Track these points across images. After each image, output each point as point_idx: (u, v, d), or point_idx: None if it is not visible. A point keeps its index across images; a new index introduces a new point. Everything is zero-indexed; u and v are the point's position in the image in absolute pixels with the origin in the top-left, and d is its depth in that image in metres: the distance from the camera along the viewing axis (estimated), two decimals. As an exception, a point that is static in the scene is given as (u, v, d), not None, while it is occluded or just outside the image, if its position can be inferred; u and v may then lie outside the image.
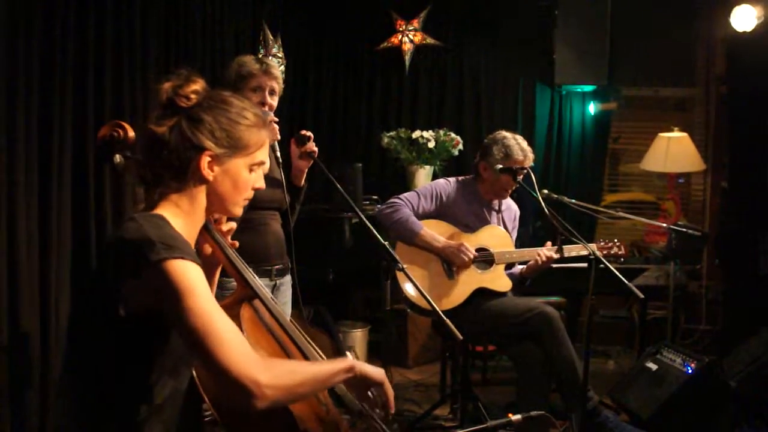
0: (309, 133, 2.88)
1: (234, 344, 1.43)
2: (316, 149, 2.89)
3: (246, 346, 1.45)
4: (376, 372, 1.70)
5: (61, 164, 3.11)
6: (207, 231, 1.72)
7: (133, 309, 1.46)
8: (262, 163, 1.69)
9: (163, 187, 1.59)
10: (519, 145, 3.57)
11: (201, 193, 1.62)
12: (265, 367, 1.44)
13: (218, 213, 1.69)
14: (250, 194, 1.70)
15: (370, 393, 1.73)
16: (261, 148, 1.67)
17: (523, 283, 3.69)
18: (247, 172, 1.66)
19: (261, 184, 1.71)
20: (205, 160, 1.58)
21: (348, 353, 2.80)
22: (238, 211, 1.70)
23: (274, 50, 5.10)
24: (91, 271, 3.12)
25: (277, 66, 2.98)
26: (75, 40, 3.19)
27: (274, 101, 2.91)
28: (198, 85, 1.61)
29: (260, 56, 2.95)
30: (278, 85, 2.92)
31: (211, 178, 1.60)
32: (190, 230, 1.62)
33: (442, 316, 2.44)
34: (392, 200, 3.61)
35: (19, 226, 2.90)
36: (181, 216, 1.59)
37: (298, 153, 2.90)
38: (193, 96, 1.59)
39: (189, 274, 1.44)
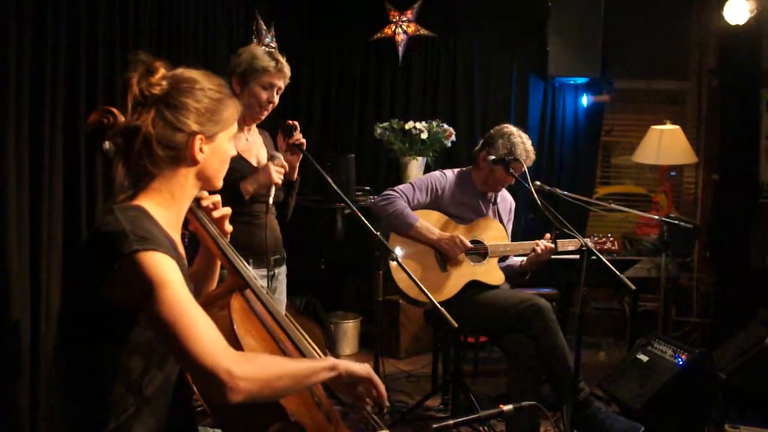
0: (295, 123, 2.85)
1: (206, 335, 1.41)
2: (303, 140, 2.86)
3: (219, 338, 1.43)
4: (362, 368, 1.67)
5: (52, 156, 3.08)
6: (198, 220, 1.72)
7: (114, 301, 1.46)
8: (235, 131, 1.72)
9: (147, 177, 1.59)
10: (524, 145, 3.56)
11: (190, 175, 1.63)
12: (239, 358, 1.43)
13: (204, 189, 1.70)
14: (228, 163, 1.73)
15: (359, 390, 1.71)
16: (236, 119, 1.70)
17: (523, 276, 3.71)
18: (228, 144, 1.69)
19: (234, 151, 1.74)
20: (197, 143, 1.59)
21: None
22: (221, 183, 1.72)
23: (267, 40, 5.08)
24: (74, 264, 3.10)
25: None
26: (67, 30, 3.16)
27: (277, 99, 2.90)
28: (164, 69, 1.60)
29: (272, 50, 2.91)
30: (285, 84, 2.91)
31: (202, 159, 1.61)
32: (173, 217, 1.62)
33: (436, 303, 2.45)
34: (387, 192, 3.61)
35: (9, 220, 2.87)
36: (167, 202, 1.60)
37: (285, 146, 2.87)
38: (163, 82, 1.58)
39: (161, 266, 1.44)
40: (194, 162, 1.61)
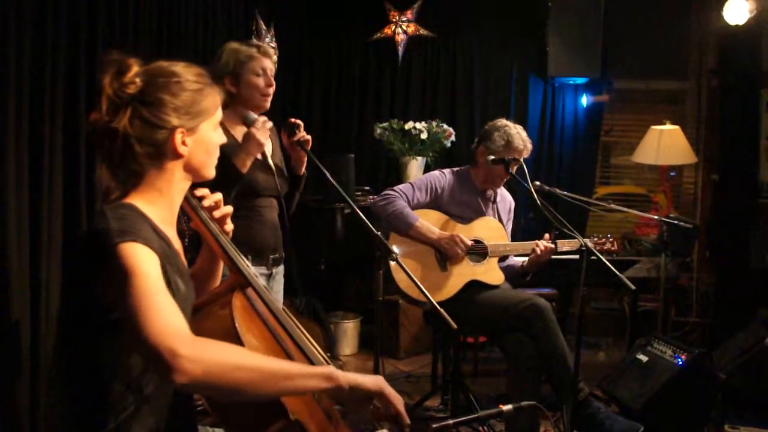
0: (298, 121, 2.83)
1: (161, 317, 1.35)
2: (308, 137, 2.85)
3: (175, 321, 1.36)
4: (372, 381, 1.54)
5: (52, 156, 3.08)
6: (199, 218, 1.72)
7: (109, 302, 1.45)
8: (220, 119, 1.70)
9: (134, 176, 1.58)
10: (519, 135, 3.59)
11: (177, 169, 1.62)
12: (190, 340, 1.35)
13: (194, 180, 1.68)
14: (217, 152, 1.70)
15: (374, 405, 1.57)
16: (219, 105, 1.68)
17: (524, 277, 3.71)
18: (213, 133, 1.67)
19: (224, 139, 1.72)
20: (178, 137, 1.58)
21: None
22: (213, 172, 1.70)
23: (267, 40, 5.08)
24: (70, 264, 3.10)
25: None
26: (67, 30, 3.15)
27: (274, 82, 2.90)
28: (136, 66, 1.57)
29: (246, 40, 2.91)
30: (274, 64, 2.92)
31: (186, 153, 1.60)
32: (165, 212, 1.61)
33: (435, 305, 2.45)
34: (387, 192, 3.61)
35: (9, 220, 2.87)
36: (155, 199, 1.59)
37: (289, 144, 2.86)
38: (137, 80, 1.55)
39: (136, 256, 1.41)
40: (177, 156, 1.59)
